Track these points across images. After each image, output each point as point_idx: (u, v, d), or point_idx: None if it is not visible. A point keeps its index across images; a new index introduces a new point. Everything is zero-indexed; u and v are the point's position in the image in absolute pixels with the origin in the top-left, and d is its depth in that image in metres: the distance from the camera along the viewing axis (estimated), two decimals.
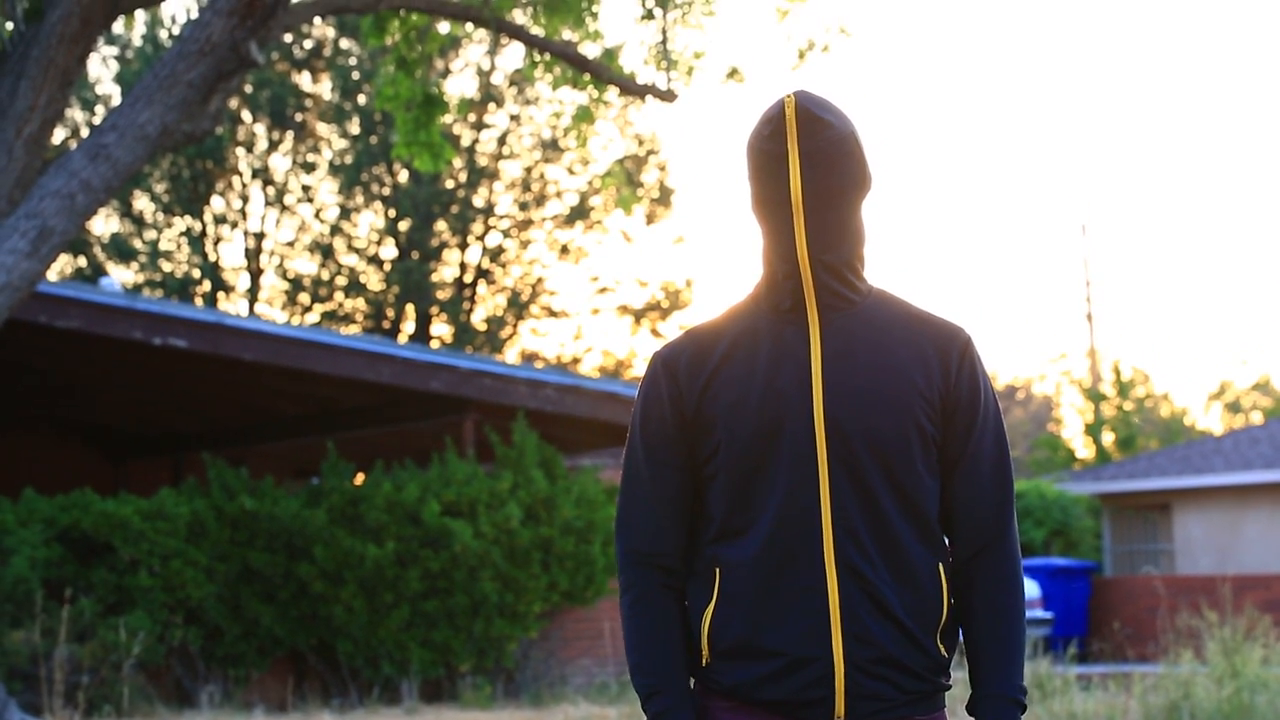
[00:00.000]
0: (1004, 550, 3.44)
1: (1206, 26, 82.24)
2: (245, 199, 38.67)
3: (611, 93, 15.71)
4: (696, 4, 15.12)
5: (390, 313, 38.76)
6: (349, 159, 37.82)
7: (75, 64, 11.78)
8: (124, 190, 35.50)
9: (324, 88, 38.20)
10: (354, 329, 38.30)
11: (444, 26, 15.93)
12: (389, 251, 38.84)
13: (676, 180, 59.80)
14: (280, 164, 38.77)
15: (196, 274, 38.08)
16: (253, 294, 38.80)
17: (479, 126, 38.24)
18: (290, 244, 39.24)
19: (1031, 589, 25.19)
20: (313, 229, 39.08)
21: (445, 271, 38.94)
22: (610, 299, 40.54)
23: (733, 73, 15.51)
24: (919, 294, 3.45)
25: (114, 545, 16.41)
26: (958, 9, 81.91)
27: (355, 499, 17.71)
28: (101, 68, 37.38)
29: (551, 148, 38.57)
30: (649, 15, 15.12)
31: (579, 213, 38.95)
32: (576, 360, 40.91)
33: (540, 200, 39.24)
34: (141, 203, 37.99)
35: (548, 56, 15.21)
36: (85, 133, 35.16)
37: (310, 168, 38.62)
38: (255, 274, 38.84)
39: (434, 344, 37.46)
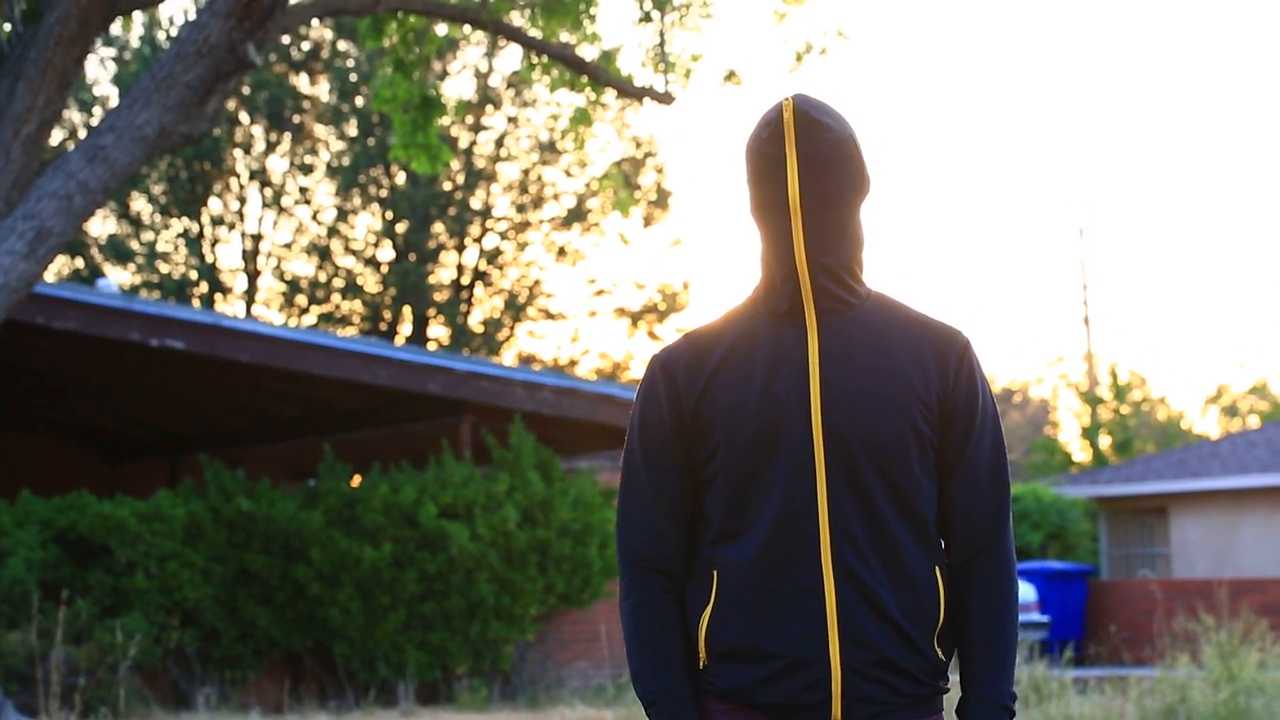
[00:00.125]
0: (1000, 554, 3.45)
1: (1204, 30, 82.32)
2: (243, 200, 38.68)
3: (609, 95, 15.72)
4: (694, 6, 15.13)
5: (387, 315, 38.76)
6: (346, 161, 37.82)
7: (73, 65, 11.77)
8: (121, 191, 35.50)
9: (322, 89, 38.20)
10: (351, 331, 38.29)
11: (442, 28, 15.93)
12: (386, 253, 38.85)
13: (674, 183, 59.85)
14: (278, 165, 38.79)
15: (194, 275, 38.07)
16: (250, 296, 38.80)
17: (476, 128, 38.25)
18: (287, 246, 39.25)
19: (1028, 592, 25.20)
20: (310, 231, 39.09)
21: (442, 273, 38.94)
22: (607, 301, 40.57)
23: (730, 75, 15.51)
24: (917, 297, 3.42)
25: (111, 547, 16.40)
26: (956, 12, 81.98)
27: (352, 501, 17.71)
28: (99, 69, 37.43)
29: (549, 150, 38.58)
30: (647, 18, 15.12)
31: (576, 215, 38.96)
32: (574, 362, 40.93)
33: (538, 202, 39.25)
34: (139, 204, 37.99)
35: (545, 59, 15.22)
36: (83, 134, 35.15)
37: (308, 169, 38.63)
38: (252, 275, 38.84)
39: (431, 346, 37.45)
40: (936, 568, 3.39)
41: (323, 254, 38.86)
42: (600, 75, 14.94)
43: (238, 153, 37.88)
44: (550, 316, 40.33)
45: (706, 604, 3.39)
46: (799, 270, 3.36)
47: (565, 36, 15.28)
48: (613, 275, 51.22)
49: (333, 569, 17.26)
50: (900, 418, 3.35)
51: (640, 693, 3.42)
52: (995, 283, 77.78)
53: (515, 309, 39.66)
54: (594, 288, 40.35)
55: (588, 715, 15.53)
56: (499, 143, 38.55)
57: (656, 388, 3.46)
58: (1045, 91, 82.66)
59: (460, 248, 38.91)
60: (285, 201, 38.99)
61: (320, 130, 38.28)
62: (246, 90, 36.17)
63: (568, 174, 38.91)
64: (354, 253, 38.96)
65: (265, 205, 38.87)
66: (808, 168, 3.33)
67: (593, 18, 15.06)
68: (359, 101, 36.79)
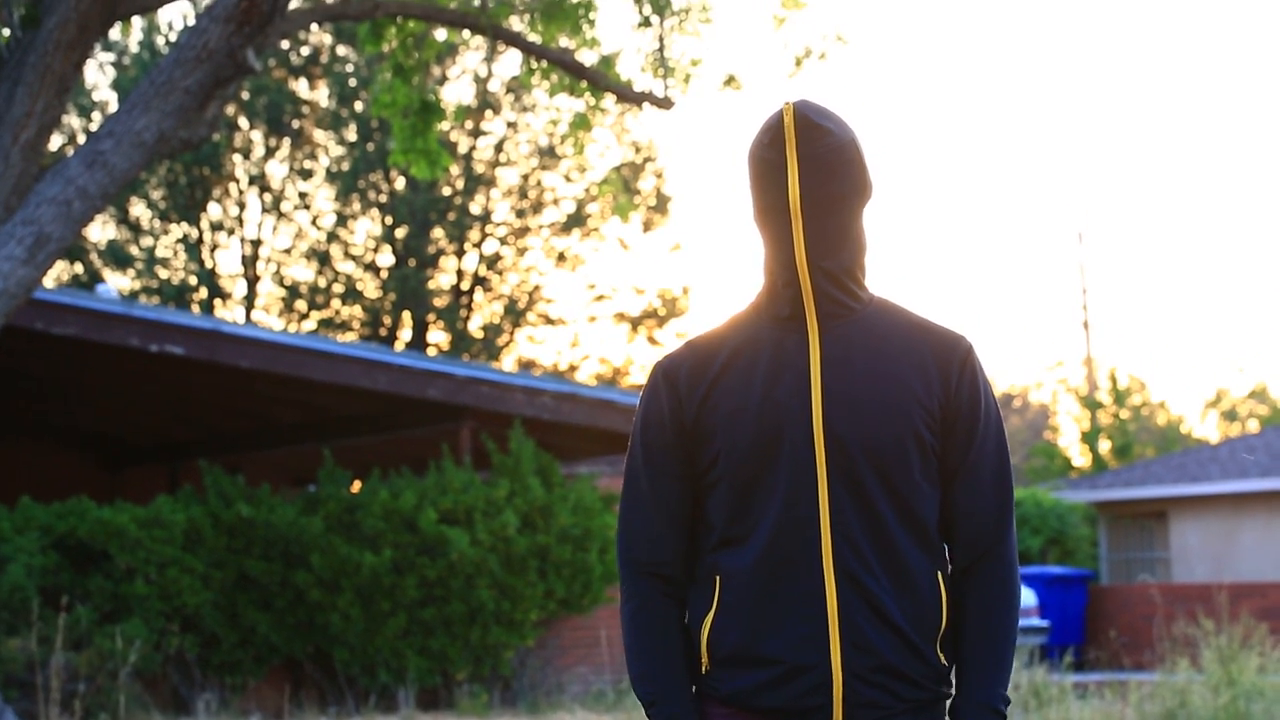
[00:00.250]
0: (1002, 559, 3.44)
1: (1203, 35, 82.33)
2: (242, 206, 38.67)
3: (608, 100, 15.72)
4: (693, 11, 15.13)
5: (387, 320, 38.75)
6: (346, 166, 37.81)
7: (72, 70, 11.77)
8: (121, 197, 35.48)
9: (321, 94, 38.20)
10: (351, 336, 38.28)
11: (441, 33, 15.93)
12: (386, 259, 38.84)
13: (673, 188, 59.70)
14: (277, 171, 38.79)
15: (193, 281, 38.06)
16: (249, 301, 38.79)
17: (476, 133, 38.24)
18: (287, 251, 39.23)
19: (1028, 597, 25.18)
20: (309, 236, 39.08)
21: (442, 279, 38.93)
22: (607, 306, 40.55)
23: (730, 80, 15.51)
24: (916, 302, 3.42)
25: (110, 553, 16.39)
26: (955, 17, 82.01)
27: (352, 507, 17.70)
28: (98, 74, 37.42)
29: (549, 155, 38.57)
30: (646, 23, 15.12)
31: (576, 220, 38.95)
32: (573, 368, 40.91)
33: (537, 207, 39.24)
34: (138, 209, 37.98)
35: (545, 64, 15.22)
36: (82, 139, 35.16)
37: (307, 174, 38.62)
38: (252, 281, 38.84)
39: (431, 351, 37.44)
40: (939, 573, 3.39)
41: (322, 259, 38.85)
42: (600, 80, 14.94)
43: (237, 158, 37.87)
44: (550, 322, 40.32)
45: (709, 609, 3.39)
46: (800, 274, 3.36)
47: (564, 41, 15.27)
48: (612, 280, 51.19)
49: (333, 575, 17.26)
50: (901, 423, 3.34)
51: (640, 694, 3.42)
52: (995, 287, 77.80)
53: (515, 314, 39.65)
54: (594, 293, 40.34)
55: None
56: (498, 148, 38.55)
57: (658, 394, 3.46)
58: (1045, 96, 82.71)
59: (460, 253, 38.90)
60: (285, 207, 38.99)
61: (320, 135, 38.28)
62: (246, 95, 36.15)
63: (567, 179, 38.90)
64: (353, 258, 38.95)
65: (265, 210, 38.87)
66: (808, 172, 3.33)
67: (592, 23, 15.06)
68: (358, 106, 36.78)
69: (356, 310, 38.96)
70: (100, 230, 37.88)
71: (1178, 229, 77.40)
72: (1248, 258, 76.66)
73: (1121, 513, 30.14)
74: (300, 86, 38.05)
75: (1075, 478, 36.08)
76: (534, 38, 15.13)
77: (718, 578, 3.38)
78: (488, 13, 14.56)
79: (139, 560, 16.41)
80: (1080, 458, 41.97)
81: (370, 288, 38.84)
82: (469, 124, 37.75)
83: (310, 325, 38.82)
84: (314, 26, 31.96)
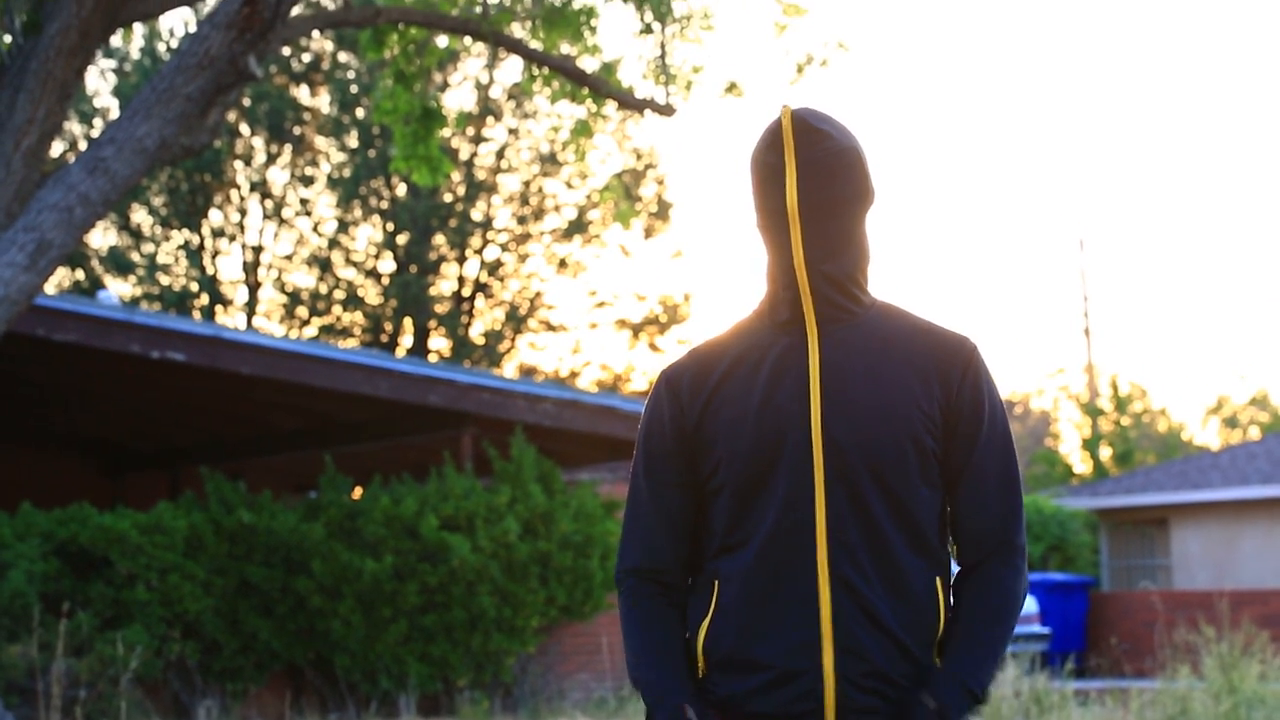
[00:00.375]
0: (1007, 561, 3.41)
1: (1204, 41, 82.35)
2: (243, 212, 38.69)
3: (610, 107, 15.73)
4: (695, 18, 15.14)
5: (388, 326, 38.75)
6: (347, 172, 37.83)
7: (73, 77, 11.78)
8: (122, 203, 35.52)
9: (322, 101, 38.22)
10: (352, 343, 38.29)
11: (442, 40, 15.94)
12: (387, 265, 38.85)
13: (675, 194, 59.82)
14: (278, 177, 38.80)
15: (194, 287, 38.07)
16: (250, 307, 38.80)
17: (477, 140, 38.26)
18: (288, 257, 39.25)
19: (1029, 604, 25.17)
20: (311, 242, 39.10)
21: (443, 285, 38.94)
22: (608, 313, 40.56)
23: (731, 87, 15.52)
24: (918, 307, 3.40)
25: (111, 559, 16.39)
26: (957, 24, 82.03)
27: (353, 513, 17.70)
28: (100, 81, 37.44)
29: (550, 161, 38.59)
30: (647, 29, 15.13)
31: (577, 226, 38.96)
32: (575, 374, 40.92)
33: (538, 214, 39.26)
34: (139, 216, 38.00)
35: (546, 70, 15.22)
36: (83, 146, 35.16)
37: (308, 181, 38.64)
38: (253, 287, 38.84)
39: (432, 358, 37.45)
40: (936, 578, 3.38)
41: (323, 266, 38.86)
42: (601, 87, 14.95)
43: (238, 164, 37.88)
44: (551, 328, 40.34)
45: (706, 613, 3.39)
46: (798, 278, 3.36)
47: (566, 48, 15.28)
48: (614, 287, 51.22)
49: (334, 581, 17.25)
50: (900, 427, 3.33)
51: (644, 696, 3.41)
52: (996, 294, 77.82)
53: (516, 321, 39.66)
54: (595, 299, 40.36)
55: None
56: (500, 154, 38.57)
57: (660, 403, 3.47)
58: (1046, 103, 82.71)
59: (461, 259, 38.91)
60: (286, 213, 39.00)
61: (321, 142, 38.30)
62: (247, 102, 36.19)
63: (569, 185, 38.92)
64: (355, 264, 38.96)
65: (266, 217, 38.89)
66: (807, 175, 3.33)
67: (593, 29, 15.07)
68: (360, 113, 36.80)
69: (358, 316, 38.97)
70: (101, 236, 37.91)
71: (1179, 236, 77.42)
72: (1249, 264, 76.69)
73: (1123, 519, 30.14)
74: (302, 93, 38.08)
75: (1076, 485, 36.10)
76: (535, 44, 15.14)
77: (716, 582, 3.39)
78: (489, 19, 14.57)
79: (140, 566, 16.40)
80: (1081, 465, 42.00)
81: (371, 294, 38.85)
82: (470, 130, 37.77)
83: (311, 332, 38.83)
84: (315, 33, 32.03)
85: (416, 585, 17.27)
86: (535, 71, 15.33)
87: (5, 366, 17.89)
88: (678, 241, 62.30)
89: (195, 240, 38.18)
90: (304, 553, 17.33)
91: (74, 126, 36.00)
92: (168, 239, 38.40)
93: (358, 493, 19.29)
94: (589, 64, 15.25)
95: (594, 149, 37.39)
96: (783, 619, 3.30)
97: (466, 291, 39.01)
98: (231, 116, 35.17)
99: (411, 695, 17.28)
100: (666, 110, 15.02)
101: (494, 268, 39.26)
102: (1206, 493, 28.42)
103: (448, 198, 37.92)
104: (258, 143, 37.96)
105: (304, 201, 38.83)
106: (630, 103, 15.13)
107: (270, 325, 39.18)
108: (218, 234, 38.56)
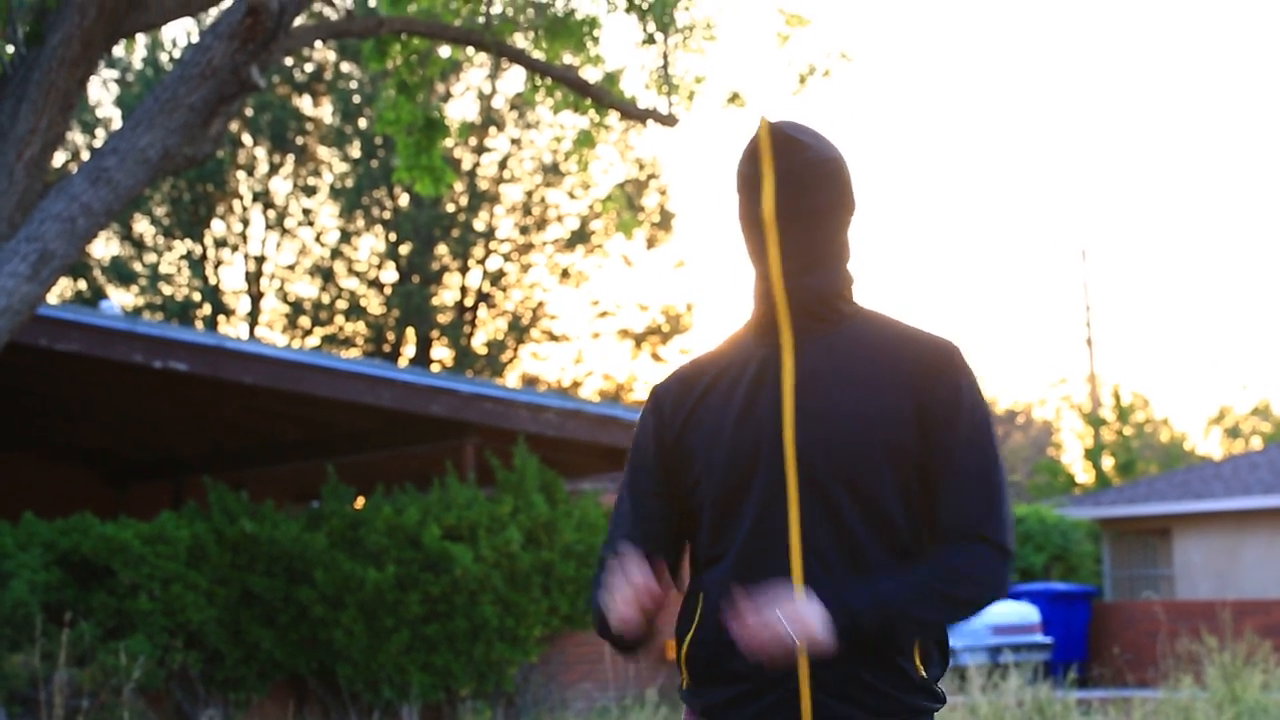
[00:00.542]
0: (978, 551, 3.31)
1: (1206, 50, 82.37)
2: (246, 222, 38.71)
3: (612, 117, 15.73)
4: (698, 29, 15.15)
5: (391, 336, 38.76)
6: (350, 182, 37.84)
7: (76, 87, 11.78)
8: (124, 213, 35.54)
9: (325, 111, 38.24)
10: (354, 353, 38.29)
11: (445, 51, 15.96)
12: (389, 275, 38.86)
13: (677, 204, 59.84)
14: (281, 187, 38.84)
15: (197, 297, 38.08)
16: (253, 317, 38.82)
17: (480, 150, 38.28)
18: (291, 267, 39.26)
19: (1031, 614, 25.14)
20: (313, 252, 39.11)
21: (446, 295, 38.95)
22: (611, 323, 40.57)
23: (734, 97, 15.53)
24: (917, 318, 3.40)
25: (114, 569, 16.39)
26: (959, 33, 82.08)
27: (355, 523, 17.70)
28: (102, 91, 37.48)
29: (552, 172, 38.61)
30: (650, 40, 15.14)
31: (580, 236, 38.97)
32: (577, 384, 40.93)
33: (541, 224, 39.27)
34: (142, 226, 38.02)
35: (549, 81, 15.24)
36: (86, 156, 35.21)
37: (311, 191, 38.66)
38: (256, 297, 38.86)
39: (434, 368, 37.46)
40: None
41: (326, 276, 38.87)
42: (604, 97, 14.96)
43: (241, 174, 37.91)
44: (554, 338, 40.33)
45: (690, 626, 3.41)
46: (774, 286, 3.36)
47: (568, 58, 15.29)
48: (616, 297, 51.20)
49: (336, 591, 17.25)
50: (872, 433, 3.30)
51: (598, 575, 3.44)
52: (998, 304, 77.81)
53: (519, 331, 39.66)
54: (597, 309, 40.37)
55: None
56: (502, 164, 38.59)
57: (646, 416, 3.51)
58: (1048, 113, 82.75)
59: (464, 269, 38.92)
60: (288, 223, 39.02)
61: (323, 152, 38.32)
62: (250, 112, 36.22)
63: (571, 196, 38.93)
64: (357, 274, 38.97)
65: (268, 227, 38.91)
66: (785, 186, 3.34)
67: (596, 40, 15.09)
68: (362, 123, 36.82)
69: (360, 326, 38.98)
70: (104, 246, 37.94)
71: (1181, 246, 77.43)
72: (1251, 275, 76.68)
73: (1125, 529, 30.12)
74: (304, 103, 38.11)
75: (1079, 494, 36.06)
76: (538, 55, 15.15)
77: (700, 594, 3.40)
78: (492, 30, 14.59)
79: (142, 576, 16.40)
80: (1084, 474, 41.95)
81: (374, 304, 38.86)
82: (473, 141, 37.80)
83: (314, 341, 38.84)
84: (318, 43, 32.01)
85: (419, 595, 17.27)
86: (538, 82, 15.34)
87: (8, 377, 17.89)
88: (680, 251, 62.41)
89: (198, 250, 38.20)
90: (306, 562, 17.33)
91: (76, 136, 36.04)
92: (170, 249, 38.42)
93: (360, 502, 19.29)
94: (592, 74, 15.26)
95: (596, 159, 37.58)
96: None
97: (469, 301, 39.02)
98: (234, 126, 35.19)
99: (414, 705, 17.28)
100: (669, 121, 15.03)
101: (496, 278, 39.27)
102: (1209, 503, 28.40)
103: (450, 208, 37.94)
104: (260, 153, 37.99)
105: (306, 211, 38.85)
106: (633, 113, 15.14)
107: (273, 335, 39.21)
108: (220, 244, 38.59)
